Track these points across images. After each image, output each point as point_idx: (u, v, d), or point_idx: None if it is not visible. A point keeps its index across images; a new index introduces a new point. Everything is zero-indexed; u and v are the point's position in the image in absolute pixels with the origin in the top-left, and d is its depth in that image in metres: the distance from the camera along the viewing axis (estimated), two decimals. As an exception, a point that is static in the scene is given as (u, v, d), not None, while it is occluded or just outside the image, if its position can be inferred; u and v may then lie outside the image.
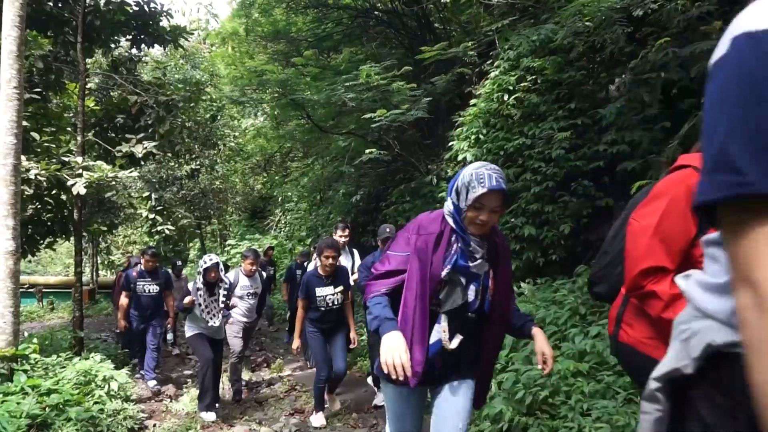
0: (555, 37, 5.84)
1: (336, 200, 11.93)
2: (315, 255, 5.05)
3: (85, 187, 5.85)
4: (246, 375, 6.71)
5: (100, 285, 17.69)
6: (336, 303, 4.72)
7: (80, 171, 6.00)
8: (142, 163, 8.12)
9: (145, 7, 7.41)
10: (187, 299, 4.99)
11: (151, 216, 12.08)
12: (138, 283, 6.49)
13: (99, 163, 6.26)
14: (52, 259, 31.32)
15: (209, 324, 5.06)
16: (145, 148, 7.10)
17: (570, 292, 5.01)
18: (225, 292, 5.23)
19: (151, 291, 6.55)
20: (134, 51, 8.16)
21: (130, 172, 6.79)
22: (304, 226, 14.19)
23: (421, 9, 9.69)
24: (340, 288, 4.74)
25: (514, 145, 6.40)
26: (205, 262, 5.05)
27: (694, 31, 4.36)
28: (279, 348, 8.68)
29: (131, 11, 7.34)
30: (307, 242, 12.90)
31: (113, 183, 6.50)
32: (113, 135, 7.96)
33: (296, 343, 4.89)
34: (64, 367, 4.83)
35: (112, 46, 7.88)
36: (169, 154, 11.32)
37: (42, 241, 7.57)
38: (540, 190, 6.04)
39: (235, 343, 5.67)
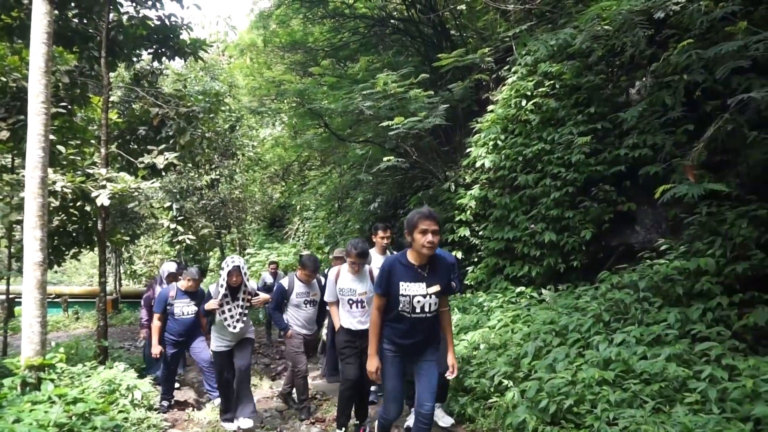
0: (573, 42, 5.80)
1: (354, 208, 11.96)
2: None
3: (108, 198, 5.95)
4: (266, 384, 6.72)
5: (123, 295, 17.97)
6: (430, 309, 3.22)
7: (104, 182, 6.10)
8: (164, 173, 8.22)
9: (166, 21, 7.54)
10: (210, 303, 4.73)
11: (173, 226, 12.23)
12: (176, 305, 5.71)
13: (122, 174, 6.37)
14: (77, 269, 31.92)
15: (231, 330, 4.77)
16: (167, 159, 7.20)
17: (593, 298, 4.93)
18: (248, 296, 4.88)
19: (190, 313, 5.73)
20: (156, 64, 8.29)
21: (152, 182, 6.88)
22: (322, 234, 14.23)
23: (438, 16, 9.70)
24: (436, 287, 3.21)
25: (533, 151, 6.36)
26: (228, 265, 4.71)
27: (717, 32, 4.29)
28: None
29: (153, 25, 7.48)
30: (325, 250, 12.93)
31: (136, 194, 6.60)
32: (135, 147, 8.09)
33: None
34: (89, 376, 4.90)
35: (135, 59, 8.03)
36: (190, 165, 11.51)
37: (67, 252, 7.70)
38: (560, 196, 5.97)
39: (298, 360, 5.18)
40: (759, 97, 3.44)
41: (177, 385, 6.38)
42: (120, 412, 4.46)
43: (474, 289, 7.21)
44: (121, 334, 12.50)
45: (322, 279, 5.37)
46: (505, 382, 4.31)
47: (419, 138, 8.08)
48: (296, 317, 5.26)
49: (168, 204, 13.14)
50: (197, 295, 5.79)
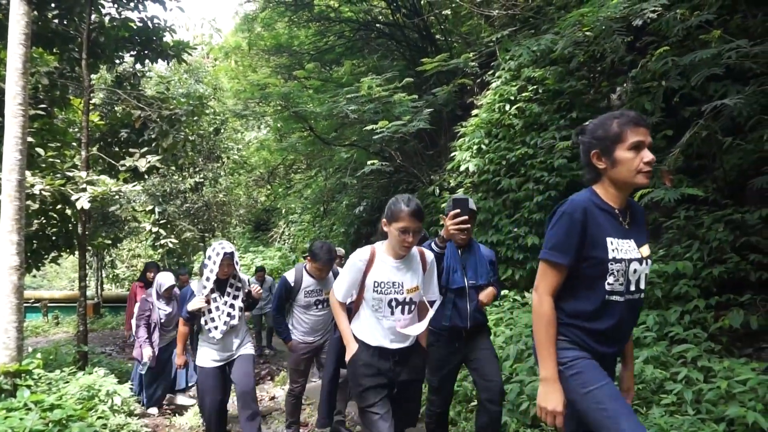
0: (555, 48, 5.87)
1: (339, 211, 11.96)
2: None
3: (89, 201, 5.88)
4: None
5: (105, 299, 17.74)
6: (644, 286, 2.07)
7: (84, 185, 6.03)
8: (146, 176, 8.16)
9: (149, 23, 7.49)
10: (195, 301, 3.76)
11: (155, 229, 12.10)
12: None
13: (103, 177, 6.30)
14: (57, 273, 31.44)
15: (211, 335, 3.81)
16: (149, 162, 7.14)
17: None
18: (238, 293, 3.94)
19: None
20: (138, 66, 8.22)
21: (134, 186, 6.82)
22: (307, 238, 14.21)
23: (422, 21, 9.76)
24: (647, 249, 2.09)
25: (516, 155, 6.42)
26: (217, 252, 3.73)
27: (693, 39, 4.37)
28: (283, 361, 8.64)
29: (135, 27, 7.42)
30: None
31: (117, 197, 6.54)
32: (117, 149, 8.01)
33: None
34: (67, 382, 4.82)
35: (117, 61, 7.96)
36: (173, 168, 11.41)
37: (47, 256, 7.59)
38: (543, 200, 6.03)
39: (294, 378, 4.37)
40: (732, 104, 3.52)
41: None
42: (99, 418, 4.39)
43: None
44: (102, 339, 12.32)
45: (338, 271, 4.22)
46: (487, 385, 4.33)
47: (404, 142, 8.11)
48: (302, 321, 4.27)
49: (150, 207, 13.01)
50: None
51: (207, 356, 3.95)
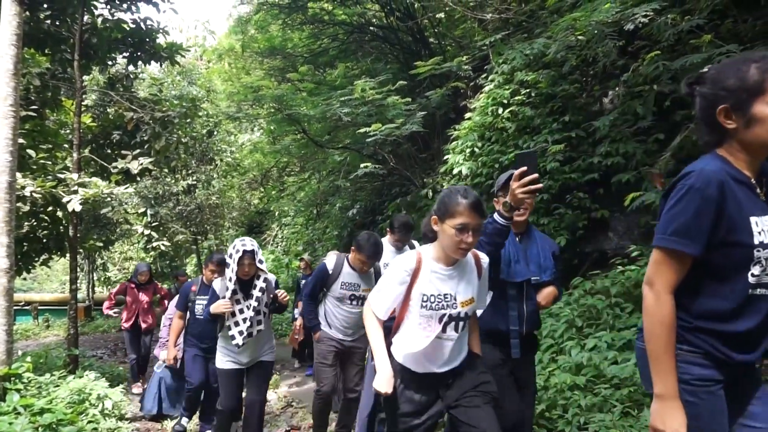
0: (548, 51, 5.91)
1: (332, 214, 11.95)
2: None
3: (80, 203, 5.84)
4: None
5: (96, 302, 17.60)
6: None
7: (76, 187, 5.99)
8: (138, 179, 8.12)
9: (142, 25, 7.46)
10: (219, 304, 3.49)
11: (147, 232, 12.03)
12: (197, 302, 4.57)
13: (95, 179, 6.26)
14: (48, 276, 31.20)
15: (234, 341, 3.55)
16: (141, 164, 7.12)
17: (566, 304, 5.00)
18: (263, 296, 3.62)
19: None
20: (131, 68, 8.19)
21: (126, 188, 6.78)
22: (300, 241, 14.18)
23: (416, 24, 9.79)
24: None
25: (509, 158, 6.43)
26: (237, 249, 3.46)
27: (684, 44, 4.41)
28: (275, 363, 8.61)
29: (128, 29, 7.39)
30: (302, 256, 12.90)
31: (109, 199, 6.50)
32: (109, 151, 7.97)
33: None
34: (57, 385, 4.78)
35: (109, 63, 7.93)
36: (166, 170, 11.35)
37: (37, 258, 7.53)
38: (535, 203, 6.04)
39: (322, 375, 3.82)
40: (723, 107, 3.55)
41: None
42: (89, 422, 4.35)
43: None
44: (94, 342, 12.23)
45: (382, 268, 3.92)
46: (480, 387, 4.33)
47: (397, 145, 8.12)
48: (334, 314, 3.83)
49: (142, 210, 12.94)
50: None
51: (227, 359, 3.72)
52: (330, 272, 3.80)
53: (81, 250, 10.88)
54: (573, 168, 5.89)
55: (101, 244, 11.74)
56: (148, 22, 7.51)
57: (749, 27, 4.27)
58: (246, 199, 19.32)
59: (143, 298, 6.88)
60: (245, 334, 3.54)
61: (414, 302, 2.17)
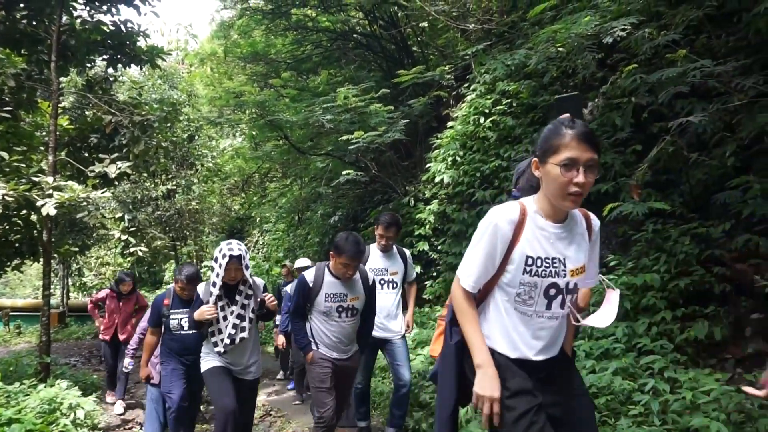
0: (529, 62, 5.98)
1: (314, 221, 11.89)
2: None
3: (55, 207, 5.72)
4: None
5: (71, 308, 17.21)
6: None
7: (51, 191, 5.87)
8: (116, 183, 7.99)
9: (122, 27, 7.37)
10: (203, 310, 3.35)
11: (124, 237, 11.84)
12: (171, 317, 4.15)
13: (71, 183, 6.14)
14: (21, 281, 30.45)
15: (217, 348, 3.42)
16: (119, 168, 7.00)
17: (546, 313, 5.03)
18: (249, 302, 3.46)
19: (193, 326, 4.05)
20: (110, 70, 8.08)
21: (103, 192, 6.67)
22: (281, 247, 14.08)
23: (399, 33, 9.84)
24: None
25: (491, 167, 6.48)
26: (223, 253, 3.30)
27: (661, 58, 4.50)
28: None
29: (108, 31, 7.30)
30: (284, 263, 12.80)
31: (85, 203, 6.38)
32: (86, 155, 7.84)
33: None
34: (27, 394, 4.66)
35: (88, 65, 7.81)
36: (145, 175, 11.19)
37: (9, 263, 7.35)
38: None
39: (321, 401, 3.45)
40: (696, 121, 3.63)
41: None
42: (60, 432, 4.25)
43: (432, 303, 7.25)
44: (67, 350, 11.95)
45: (370, 275, 3.66)
46: (460, 396, 4.32)
47: (379, 152, 8.12)
48: (323, 331, 3.54)
49: (120, 214, 12.74)
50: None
51: (214, 360, 3.48)
52: (311, 285, 3.49)
53: (55, 255, 10.64)
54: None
55: (77, 249, 11.52)
56: (129, 25, 7.42)
57: (722, 43, 4.37)
58: (227, 205, 19.15)
59: (124, 309, 6.59)
60: (227, 341, 3.39)
61: (514, 267, 1.75)
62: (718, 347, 3.81)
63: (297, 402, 6.25)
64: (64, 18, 6.86)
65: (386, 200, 8.96)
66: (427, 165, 7.50)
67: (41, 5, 6.66)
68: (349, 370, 3.67)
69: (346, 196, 10.63)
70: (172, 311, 4.12)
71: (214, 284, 3.35)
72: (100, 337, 6.73)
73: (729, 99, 3.78)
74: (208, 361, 3.51)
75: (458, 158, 7.01)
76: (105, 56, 7.63)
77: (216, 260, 3.34)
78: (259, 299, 3.51)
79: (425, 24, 9.30)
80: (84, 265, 19.82)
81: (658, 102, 4.09)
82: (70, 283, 19.08)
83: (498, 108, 6.67)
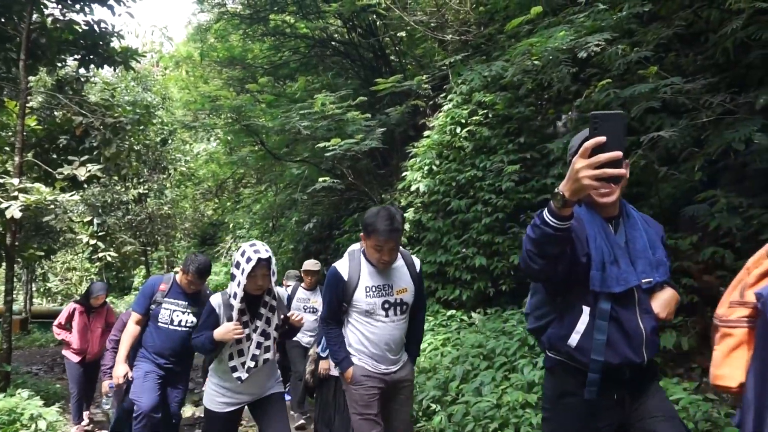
0: (505, 74, 6.07)
1: (288, 228, 11.80)
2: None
3: (20, 210, 5.54)
4: (189, 410, 6.40)
5: (34, 314, 16.64)
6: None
7: (16, 193, 5.68)
8: (86, 186, 7.79)
9: (95, 27, 7.22)
10: (227, 328, 2.70)
11: (92, 242, 11.55)
12: (164, 305, 3.69)
13: (37, 185, 5.96)
14: (-18, 285, 29.35)
15: (236, 374, 2.79)
16: (89, 171, 6.82)
17: (519, 322, 5.08)
18: (273, 316, 2.87)
19: (186, 323, 3.71)
20: (82, 71, 7.90)
21: (72, 195, 6.49)
22: (255, 254, 13.91)
23: (378, 42, 9.88)
24: None
25: (466, 177, 6.54)
26: (248, 257, 2.66)
27: (633, 74, 4.62)
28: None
29: (80, 30, 7.14)
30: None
31: (52, 206, 6.20)
32: (55, 156, 7.62)
33: None
34: (-14, 404, 4.47)
35: (59, 65, 7.62)
36: (115, 178, 10.94)
37: (-31, 267, 7.08)
38: (491, 221, 6.15)
39: (365, 429, 2.62)
40: (667, 135, 3.73)
41: None
42: (20, 444, 4.09)
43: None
44: (30, 358, 11.54)
45: (416, 261, 2.90)
46: (433, 406, 4.33)
47: (356, 160, 8.12)
48: (366, 337, 2.76)
49: (89, 218, 12.42)
50: (200, 300, 3.71)
51: (219, 397, 2.91)
52: (346, 279, 2.71)
53: (19, 260, 10.29)
54: (527, 188, 6.03)
55: (42, 254, 11.15)
56: (102, 25, 7.28)
57: (690, 61, 4.52)
58: (200, 210, 18.88)
59: (95, 326, 5.70)
60: (250, 363, 2.76)
61: None
62: (686, 357, 3.89)
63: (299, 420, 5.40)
64: (35, 16, 6.68)
65: (362, 208, 8.95)
66: (404, 173, 7.52)
67: (10, 2, 6.48)
68: (402, 384, 2.82)
69: (321, 203, 10.58)
70: (166, 299, 3.65)
71: (235, 295, 2.69)
72: (70, 358, 5.67)
73: (698, 115, 3.90)
74: (214, 399, 2.92)
75: (434, 167, 7.05)
76: (77, 56, 7.46)
77: (238, 266, 2.68)
78: (282, 315, 2.92)
79: (403, 33, 9.36)
80: (49, 269, 19.25)
81: (631, 116, 4.19)
82: (33, 289, 18.48)
83: (474, 118, 6.74)
